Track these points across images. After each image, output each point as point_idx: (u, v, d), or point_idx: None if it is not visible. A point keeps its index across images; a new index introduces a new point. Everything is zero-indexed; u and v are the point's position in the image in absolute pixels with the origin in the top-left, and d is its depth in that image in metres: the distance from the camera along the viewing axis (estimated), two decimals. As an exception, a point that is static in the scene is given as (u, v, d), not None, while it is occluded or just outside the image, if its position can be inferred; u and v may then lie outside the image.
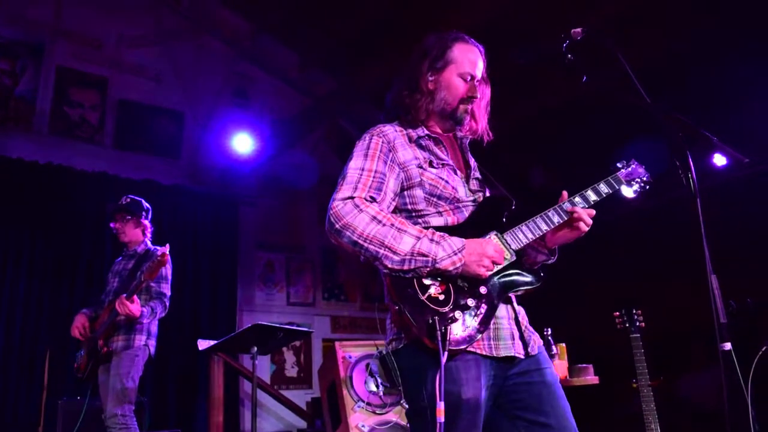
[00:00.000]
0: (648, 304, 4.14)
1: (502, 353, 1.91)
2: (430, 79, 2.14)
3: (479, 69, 2.17)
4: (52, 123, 6.52)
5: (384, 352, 1.97)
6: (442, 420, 1.67)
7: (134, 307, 4.05)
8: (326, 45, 7.42)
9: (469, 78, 2.14)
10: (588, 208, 2.06)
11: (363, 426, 4.03)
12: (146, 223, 4.64)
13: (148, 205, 4.67)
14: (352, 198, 1.88)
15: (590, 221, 2.05)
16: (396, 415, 4.18)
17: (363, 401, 4.10)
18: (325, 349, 7.87)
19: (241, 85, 7.88)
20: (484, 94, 2.20)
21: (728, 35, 5.32)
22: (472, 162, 2.21)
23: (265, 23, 7.53)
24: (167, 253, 4.03)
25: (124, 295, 4.05)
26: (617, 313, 3.96)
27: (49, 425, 5.41)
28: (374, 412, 4.12)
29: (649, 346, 3.88)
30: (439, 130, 2.18)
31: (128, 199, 4.59)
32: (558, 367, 4.20)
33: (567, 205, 2.04)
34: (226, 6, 7.53)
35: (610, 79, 1.88)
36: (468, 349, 1.82)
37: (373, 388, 4.13)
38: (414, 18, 5.79)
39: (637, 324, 3.87)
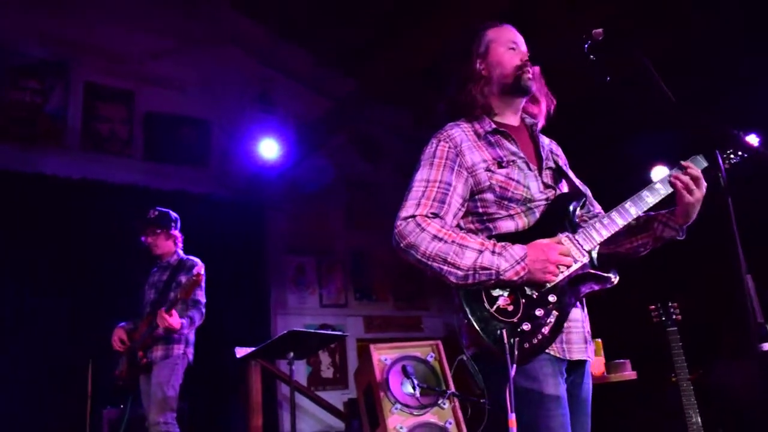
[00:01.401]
0: (683, 296, 4.08)
1: (576, 356, 1.91)
2: (481, 66, 2.12)
3: (520, 40, 2.17)
4: (83, 139, 6.67)
5: (465, 358, 1.95)
6: (515, 430, 1.66)
7: (174, 320, 4.13)
8: (340, 44, 7.44)
9: (513, 47, 2.13)
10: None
11: (401, 428, 4.04)
12: (176, 233, 4.71)
13: (176, 215, 4.74)
14: (414, 217, 1.90)
15: (693, 185, 1.93)
16: (434, 416, 4.19)
17: (400, 403, 4.12)
18: (359, 349, 7.91)
19: (264, 91, 7.94)
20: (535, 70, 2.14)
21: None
22: (545, 151, 2.14)
23: (282, 27, 7.57)
24: (202, 273, 4.10)
25: (163, 309, 4.13)
26: (653, 307, 3.91)
27: (94, 433, 5.56)
28: (412, 414, 4.13)
29: (685, 338, 3.83)
30: (506, 121, 2.13)
31: (156, 212, 4.66)
32: (595, 364, 4.17)
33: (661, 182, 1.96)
34: (244, 13, 7.58)
35: (632, 78, 1.86)
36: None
37: (410, 389, 4.14)
38: (427, 16, 5.77)
39: (674, 317, 3.81)
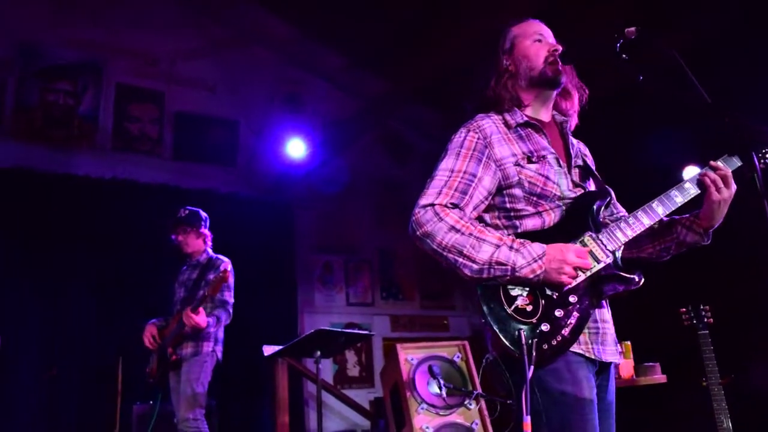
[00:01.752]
0: (715, 299, 4.01)
1: (608, 358, 1.87)
2: (507, 62, 2.10)
3: (547, 32, 2.13)
4: (114, 139, 6.78)
5: (491, 358, 1.91)
6: None
7: (200, 318, 4.18)
8: (373, 45, 7.44)
9: (540, 38, 2.09)
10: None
11: (427, 428, 4.05)
12: (206, 232, 4.77)
13: (205, 215, 4.79)
14: (432, 205, 1.87)
15: (721, 183, 1.90)
16: (460, 417, 4.18)
17: (426, 403, 4.12)
18: (385, 348, 7.93)
19: (292, 91, 8.00)
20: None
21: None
22: (575, 149, 2.09)
23: (310, 27, 7.61)
24: (229, 269, 4.14)
25: (189, 308, 4.18)
26: (684, 309, 3.85)
27: (124, 428, 5.64)
28: (438, 414, 4.13)
29: (716, 341, 3.76)
30: (537, 116, 2.09)
31: (186, 212, 4.72)
32: (624, 366, 4.13)
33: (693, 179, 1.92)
34: (272, 13, 7.63)
35: (665, 78, 1.83)
36: (576, 350, 1.79)
37: (436, 390, 4.14)
38: (458, 15, 5.75)
39: (705, 320, 3.74)
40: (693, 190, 1.94)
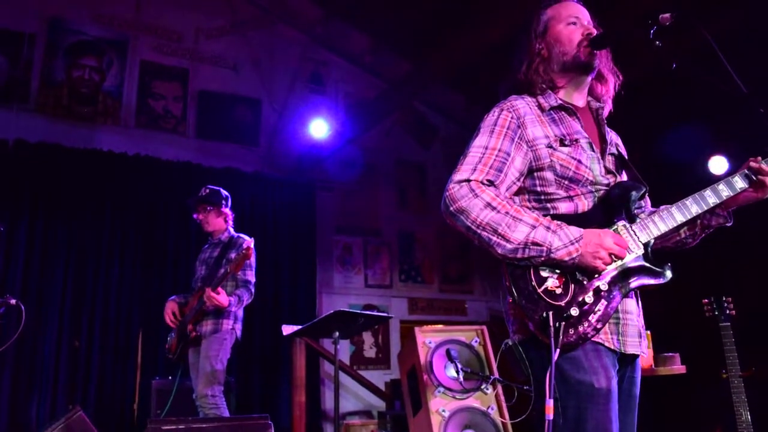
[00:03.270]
0: (737, 290, 3.96)
1: (630, 350, 1.83)
2: (540, 46, 2.04)
3: (583, 14, 2.06)
4: (138, 116, 6.83)
5: (510, 343, 1.89)
6: (551, 417, 1.62)
7: (221, 297, 4.21)
8: (399, 27, 7.39)
9: (574, 21, 2.02)
10: None
11: (443, 411, 4.06)
12: (227, 211, 4.78)
13: (227, 193, 4.81)
14: (468, 181, 1.81)
15: None
16: (477, 401, 4.19)
17: (443, 386, 4.13)
18: (402, 331, 7.96)
19: (315, 71, 7.98)
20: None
21: None
22: (609, 137, 2.04)
23: (336, 8, 7.57)
24: (251, 246, 4.15)
25: (209, 288, 4.21)
26: (706, 301, 3.80)
27: (143, 403, 5.73)
28: (454, 398, 4.13)
29: (738, 333, 3.72)
30: (571, 101, 2.03)
31: (207, 190, 4.74)
32: (643, 356, 4.09)
33: (753, 165, 1.89)
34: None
35: (699, 65, 1.79)
36: (595, 340, 1.76)
37: (453, 373, 4.14)
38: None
39: (727, 312, 3.69)
40: (726, 192, 1.91)
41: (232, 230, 4.77)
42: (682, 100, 5.74)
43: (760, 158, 1.91)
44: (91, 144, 6.38)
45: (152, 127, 6.89)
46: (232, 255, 4.45)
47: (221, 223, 4.74)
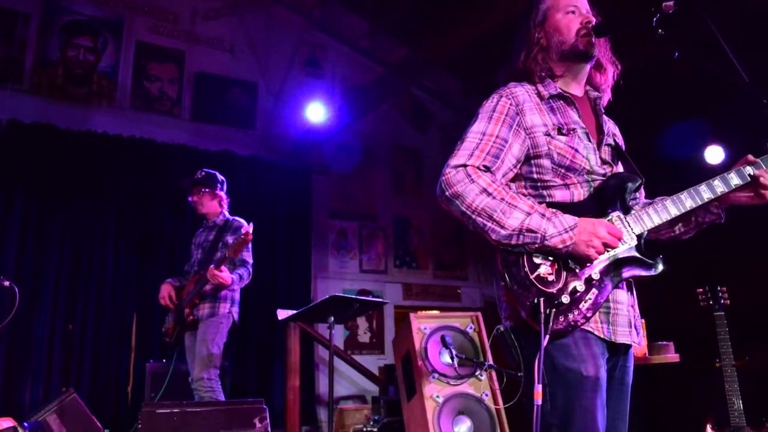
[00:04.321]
0: (733, 279, 3.97)
1: (620, 339, 1.84)
2: (538, 35, 2.04)
3: (582, 3, 2.06)
4: (133, 97, 6.77)
5: (502, 329, 1.92)
6: (539, 402, 1.63)
7: (225, 275, 4.20)
8: (396, 11, 7.34)
9: (573, 10, 2.02)
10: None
11: (437, 396, 4.07)
12: (222, 194, 4.76)
13: (222, 177, 4.79)
14: (465, 166, 1.83)
15: None
16: (470, 387, 4.20)
17: (437, 372, 4.14)
18: (397, 316, 7.98)
19: (312, 55, 7.93)
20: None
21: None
22: (606, 127, 2.06)
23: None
24: (250, 231, 4.13)
25: (212, 266, 4.19)
26: (701, 290, 3.82)
27: (137, 386, 5.74)
28: (448, 383, 4.14)
29: (732, 323, 3.74)
30: (570, 90, 2.04)
31: (203, 173, 4.72)
32: (636, 346, 4.10)
33: (748, 170, 1.91)
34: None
35: (702, 54, 1.78)
36: (585, 328, 1.78)
37: (448, 359, 4.15)
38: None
39: (722, 302, 3.71)
40: (721, 188, 1.92)
41: (227, 213, 4.75)
42: (679, 90, 5.72)
43: (755, 158, 1.93)
44: (85, 125, 6.32)
45: (147, 109, 6.83)
46: (229, 238, 4.44)
47: (216, 206, 4.72)
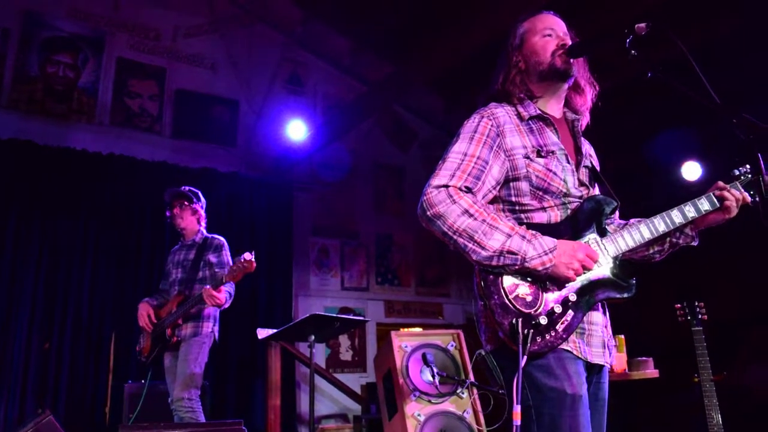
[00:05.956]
0: (710, 295, 4.01)
1: (595, 360, 1.88)
2: (516, 58, 2.08)
3: (558, 26, 2.10)
4: (113, 114, 6.73)
5: (483, 353, 1.94)
6: (519, 423, 1.65)
7: (221, 295, 4.17)
8: (379, 30, 7.38)
9: (550, 33, 2.07)
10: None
11: (419, 415, 4.05)
12: (202, 212, 4.74)
13: (203, 198, 4.77)
14: (447, 186, 1.83)
15: (740, 204, 2.00)
16: (452, 405, 4.18)
17: (419, 390, 4.12)
18: (379, 333, 7.95)
19: (294, 72, 7.95)
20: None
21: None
22: (584, 148, 2.09)
23: (316, 9, 7.55)
24: (253, 260, 4.11)
25: (208, 287, 4.15)
26: (678, 305, 3.84)
27: (115, 406, 5.64)
28: (430, 402, 4.13)
29: (710, 337, 3.76)
30: (549, 111, 2.07)
31: (183, 189, 4.70)
32: (617, 360, 4.13)
33: (715, 192, 1.99)
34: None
35: (674, 75, 1.81)
36: (564, 347, 1.80)
37: (429, 377, 4.14)
38: (471, 4, 5.70)
39: (700, 317, 3.73)
40: (693, 212, 1.99)
41: (205, 231, 4.72)
42: (657, 107, 5.81)
43: (725, 184, 2.00)
44: (64, 142, 6.27)
45: (128, 125, 6.79)
46: (211, 257, 4.43)
47: (194, 222, 4.69)
